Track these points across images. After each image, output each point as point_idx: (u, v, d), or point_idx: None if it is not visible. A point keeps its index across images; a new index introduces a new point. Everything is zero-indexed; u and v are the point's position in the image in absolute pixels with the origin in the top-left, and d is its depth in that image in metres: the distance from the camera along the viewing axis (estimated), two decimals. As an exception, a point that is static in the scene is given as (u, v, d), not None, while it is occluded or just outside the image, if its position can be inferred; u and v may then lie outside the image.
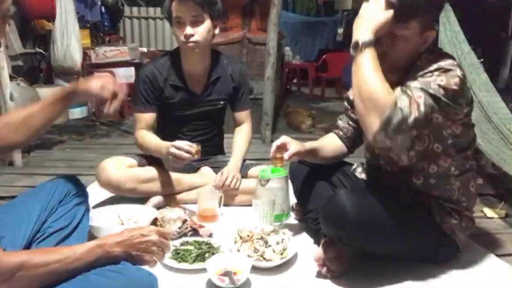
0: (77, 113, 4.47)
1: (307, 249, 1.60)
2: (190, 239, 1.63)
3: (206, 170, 2.10)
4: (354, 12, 7.81)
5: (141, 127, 1.97)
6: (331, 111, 5.10)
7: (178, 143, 1.73)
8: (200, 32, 1.84)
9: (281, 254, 1.49)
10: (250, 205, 1.77)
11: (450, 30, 2.43)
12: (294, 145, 1.55)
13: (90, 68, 4.49)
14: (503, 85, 5.73)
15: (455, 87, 1.24)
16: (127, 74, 4.48)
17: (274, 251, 1.48)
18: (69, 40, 4.17)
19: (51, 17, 4.18)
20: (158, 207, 1.90)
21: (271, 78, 3.52)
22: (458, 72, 1.26)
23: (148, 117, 1.97)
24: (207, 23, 1.85)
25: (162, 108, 2.00)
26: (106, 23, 5.99)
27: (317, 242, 1.60)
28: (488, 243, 1.77)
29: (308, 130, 4.15)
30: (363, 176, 1.73)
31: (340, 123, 1.74)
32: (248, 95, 2.14)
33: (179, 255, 1.50)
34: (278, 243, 1.51)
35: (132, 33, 6.78)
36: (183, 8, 1.81)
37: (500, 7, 5.89)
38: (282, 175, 1.75)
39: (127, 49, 4.58)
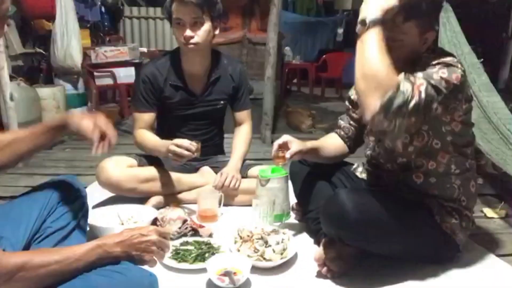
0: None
1: (307, 249, 1.60)
2: (190, 239, 1.63)
3: (206, 170, 2.10)
4: (354, 12, 7.81)
5: (140, 126, 1.97)
6: (331, 111, 5.10)
7: (178, 140, 1.74)
8: (200, 34, 1.84)
9: (281, 254, 1.49)
10: (250, 205, 1.77)
11: (450, 31, 2.44)
12: (295, 144, 1.55)
13: (90, 68, 4.49)
14: (503, 85, 5.72)
15: (455, 82, 1.25)
16: (127, 74, 4.48)
17: (274, 251, 1.48)
18: (69, 40, 4.17)
19: (51, 17, 4.17)
20: (158, 207, 1.91)
21: (271, 78, 3.53)
22: (459, 68, 1.28)
23: (148, 117, 1.98)
24: (207, 24, 1.86)
25: (162, 108, 2.00)
26: (106, 23, 5.98)
27: (317, 242, 1.61)
28: (488, 243, 1.77)
29: (308, 130, 4.15)
30: (363, 176, 1.73)
31: (341, 122, 1.75)
32: (248, 95, 2.14)
33: (179, 255, 1.51)
34: (278, 243, 1.51)
35: (132, 33, 6.77)
36: (184, 10, 1.81)
37: (500, 7, 5.89)
38: (282, 175, 1.75)
39: (127, 49, 4.57)
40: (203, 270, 1.39)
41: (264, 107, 3.56)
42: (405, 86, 1.17)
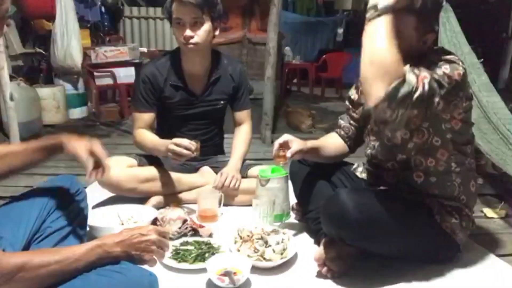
0: (77, 113, 4.47)
1: (307, 249, 1.60)
2: (190, 239, 1.63)
3: (206, 170, 2.10)
4: (354, 12, 7.82)
5: (140, 126, 1.98)
6: (331, 111, 5.10)
7: (177, 140, 1.74)
8: (200, 34, 1.84)
9: (281, 254, 1.49)
10: (250, 205, 1.77)
11: (450, 31, 2.44)
12: (296, 143, 1.55)
13: (90, 68, 4.49)
14: (503, 85, 5.72)
15: (457, 78, 1.25)
16: (127, 74, 4.48)
17: (274, 251, 1.48)
18: (69, 40, 4.17)
19: (51, 17, 4.17)
20: (158, 207, 1.91)
21: (271, 78, 3.53)
22: (461, 65, 1.28)
23: (147, 117, 1.98)
24: (207, 25, 1.85)
25: (162, 108, 2.01)
26: (106, 23, 5.98)
27: (317, 242, 1.61)
28: (488, 243, 1.77)
29: (308, 130, 4.15)
30: (363, 175, 1.73)
31: (342, 122, 1.75)
32: (248, 95, 2.14)
33: (179, 255, 1.50)
34: (278, 243, 1.51)
35: (132, 33, 6.77)
36: (184, 10, 1.81)
37: (500, 7, 5.89)
38: (282, 175, 1.75)
39: (127, 49, 4.57)
40: (203, 270, 1.39)
41: (264, 107, 3.56)
42: (410, 77, 1.17)
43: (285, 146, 1.56)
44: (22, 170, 1.29)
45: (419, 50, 1.35)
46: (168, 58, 2.00)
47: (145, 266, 1.14)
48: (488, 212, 2.11)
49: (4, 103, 2.82)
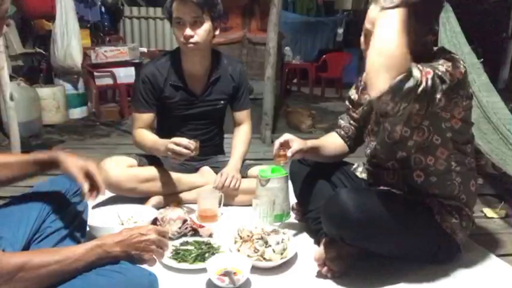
0: (77, 113, 4.47)
1: (307, 249, 1.60)
2: (190, 239, 1.63)
3: (206, 170, 2.10)
4: (354, 12, 7.82)
5: (140, 126, 1.98)
6: (331, 111, 5.10)
7: (177, 139, 1.75)
8: (200, 33, 1.84)
9: (281, 254, 1.49)
10: (250, 205, 1.77)
11: (450, 31, 2.43)
12: (296, 143, 1.55)
13: (90, 68, 4.49)
14: (503, 85, 5.73)
15: (459, 76, 1.26)
16: (127, 74, 4.49)
17: (274, 251, 1.48)
18: (69, 40, 4.17)
19: (51, 17, 4.18)
20: (158, 207, 1.91)
21: (271, 78, 3.53)
22: (462, 64, 1.29)
23: (147, 117, 1.98)
24: (207, 24, 1.86)
25: (162, 108, 2.01)
26: (106, 23, 5.98)
27: (317, 242, 1.61)
28: (488, 243, 1.77)
29: (308, 130, 4.15)
30: (363, 175, 1.73)
31: (342, 122, 1.75)
32: (247, 95, 2.14)
33: (179, 255, 1.50)
34: (278, 243, 1.51)
35: (132, 33, 6.77)
36: (184, 9, 1.81)
37: (500, 7, 5.89)
38: (282, 175, 1.75)
39: (127, 49, 4.57)
40: (203, 270, 1.39)
41: (264, 107, 3.56)
42: (415, 72, 1.17)
43: (285, 145, 1.56)
44: (12, 183, 1.27)
45: (420, 50, 1.35)
46: (168, 58, 2.00)
47: (145, 266, 1.14)
48: (488, 212, 2.11)
49: (4, 103, 2.81)
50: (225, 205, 1.93)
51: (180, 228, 1.66)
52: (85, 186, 1.21)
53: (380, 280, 1.42)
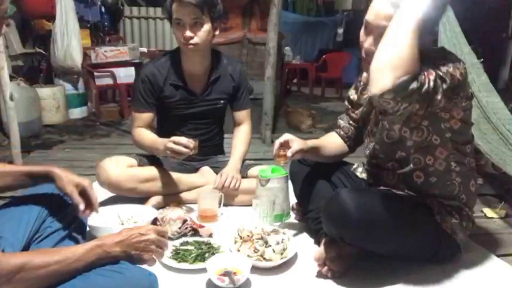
0: (77, 113, 4.48)
1: (307, 249, 1.60)
2: (190, 239, 1.63)
3: (206, 170, 2.10)
4: (354, 12, 7.81)
5: (139, 125, 1.98)
6: (331, 111, 5.10)
7: (176, 138, 1.75)
8: (199, 34, 1.84)
9: (281, 254, 1.49)
10: (250, 205, 1.77)
11: (450, 31, 2.43)
12: (297, 143, 1.55)
13: (90, 68, 4.49)
14: (503, 85, 5.72)
15: (459, 77, 1.26)
16: (127, 74, 4.49)
17: (274, 251, 1.48)
18: (69, 40, 4.17)
19: (51, 17, 4.18)
20: (158, 207, 1.91)
21: (271, 78, 3.53)
22: (462, 65, 1.29)
23: (146, 116, 1.98)
24: (207, 25, 1.86)
25: (162, 107, 2.01)
26: (106, 23, 5.98)
27: (317, 242, 1.61)
28: (488, 243, 1.77)
29: (308, 130, 4.15)
30: (363, 176, 1.73)
31: (341, 122, 1.75)
32: (247, 94, 2.14)
33: (179, 255, 1.50)
34: (278, 243, 1.51)
35: (132, 33, 6.77)
36: (184, 10, 1.81)
37: (500, 7, 5.89)
38: (282, 175, 1.75)
39: (127, 49, 4.57)
40: (203, 270, 1.39)
41: (264, 107, 3.56)
42: (420, 73, 1.17)
43: (285, 145, 1.56)
44: (3, 192, 1.28)
45: (420, 50, 1.35)
46: (168, 58, 2.00)
47: (145, 266, 1.14)
48: (488, 212, 2.11)
49: (4, 103, 2.81)
50: (225, 205, 1.93)
51: (180, 228, 1.67)
52: (81, 206, 1.23)
53: (380, 280, 1.42)
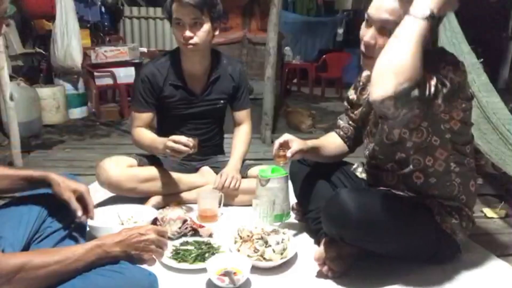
0: (77, 113, 4.48)
1: (307, 249, 1.60)
2: (190, 239, 1.63)
3: (206, 170, 2.10)
4: (354, 12, 7.82)
5: (138, 125, 1.99)
6: (331, 111, 5.10)
7: (175, 136, 1.75)
8: (199, 34, 1.84)
9: (281, 254, 1.49)
10: (250, 205, 1.77)
11: (450, 31, 2.43)
12: (296, 143, 1.55)
13: (90, 68, 4.49)
14: (503, 85, 5.73)
15: (459, 79, 1.25)
16: (127, 74, 4.49)
17: (274, 251, 1.48)
18: (69, 40, 4.17)
19: (51, 17, 4.18)
20: (158, 207, 1.91)
21: (271, 78, 3.53)
22: (462, 66, 1.28)
23: (146, 116, 1.99)
24: (207, 25, 1.86)
25: (162, 107, 2.01)
26: (106, 23, 5.98)
27: (317, 242, 1.61)
28: (488, 243, 1.77)
29: (308, 130, 4.16)
30: (363, 176, 1.73)
31: (341, 122, 1.75)
32: (247, 94, 2.14)
33: (179, 255, 1.50)
34: (278, 243, 1.51)
35: (132, 33, 6.77)
36: (183, 11, 1.81)
37: (500, 7, 5.89)
38: (282, 175, 1.75)
39: (127, 49, 4.58)
40: (203, 270, 1.39)
41: (264, 107, 3.56)
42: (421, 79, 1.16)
43: (285, 145, 1.56)
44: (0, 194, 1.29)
45: None
46: (167, 58, 2.00)
47: (145, 266, 1.14)
48: (488, 212, 2.11)
49: (4, 103, 2.81)
50: (225, 205, 1.93)
51: (180, 228, 1.66)
52: (79, 212, 1.24)
53: (380, 280, 1.42)
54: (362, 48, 1.36)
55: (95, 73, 4.50)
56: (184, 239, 1.63)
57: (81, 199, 1.27)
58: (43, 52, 4.50)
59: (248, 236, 1.56)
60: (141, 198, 1.93)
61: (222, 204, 1.90)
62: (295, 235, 1.74)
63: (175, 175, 2.01)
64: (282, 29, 4.56)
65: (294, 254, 1.54)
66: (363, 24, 1.37)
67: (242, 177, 2.01)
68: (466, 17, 2.51)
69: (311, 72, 6.44)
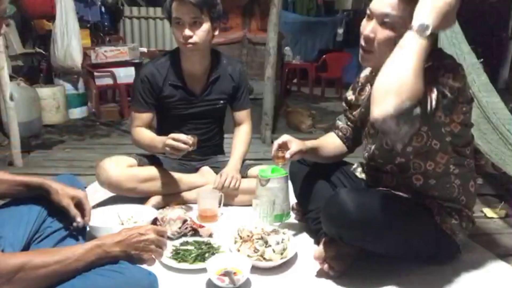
0: (77, 113, 4.48)
1: (307, 249, 1.60)
2: (190, 239, 1.63)
3: (206, 170, 2.10)
4: (354, 12, 7.82)
5: (138, 124, 1.99)
6: (331, 111, 5.10)
7: (175, 134, 1.76)
8: (199, 34, 1.84)
9: (281, 254, 1.49)
10: (250, 205, 1.77)
11: (450, 31, 2.42)
12: (295, 144, 1.55)
13: (90, 68, 4.49)
14: (503, 85, 5.73)
15: (459, 85, 1.24)
16: (127, 74, 4.49)
17: (274, 251, 1.48)
18: (69, 40, 4.17)
19: (51, 17, 4.18)
20: (158, 207, 1.91)
21: (271, 78, 3.53)
22: (461, 70, 1.27)
23: (145, 116, 1.99)
24: (206, 25, 1.86)
25: (161, 107, 2.01)
26: (106, 23, 5.98)
27: (317, 242, 1.61)
28: (488, 243, 1.77)
29: (308, 130, 4.16)
30: (363, 176, 1.73)
31: (339, 123, 1.74)
32: (247, 94, 2.14)
33: (179, 255, 1.50)
34: (278, 243, 1.51)
35: (132, 33, 6.77)
36: (183, 9, 1.81)
37: (500, 7, 5.89)
38: (282, 175, 1.75)
39: (127, 49, 4.58)
40: (203, 270, 1.39)
41: (264, 107, 3.56)
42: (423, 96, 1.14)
43: (284, 146, 1.56)
44: None
45: None
46: (167, 58, 2.00)
47: (144, 266, 1.14)
48: (488, 212, 2.11)
49: (4, 103, 2.82)
50: (225, 205, 1.93)
51: (180, 228, 1.67)
52: (78, 219, 1.26)
53: (380, 280, 1.42)
54: (362, 42, 1.35)
55: (95, 73, 4.50)
56: (184, 239, 1.63)
57: (79, 204, 1.29)
58: (43, 52, 4.50)
59: (248, 236, 1.56)
60: (141, 198, 1.93)
61: (222, 204, 1.90)
62: (295, 235, 1.74)
63: (175, 175, 2.01)
64: (282, 29, 4.56)
65: (294, 254, 1.54)
66: (364, 20, 1.36)
67: (242, 177, 2.01)
68: (466, 17, 2.51)
69: (311, 72, 6.44)
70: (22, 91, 3.64)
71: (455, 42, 2.38)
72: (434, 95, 1.18)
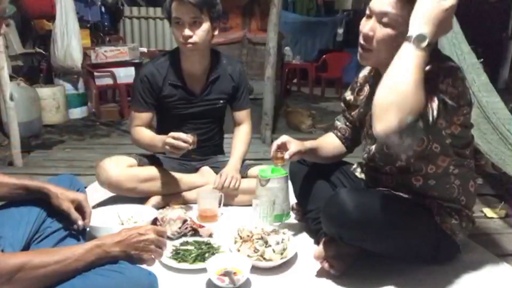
0: (77, 113, 4.48)
1: (307, 249, 1.60)
2: (190, 239, 1.63)
3: (206, 170, 2.10)
4: (354, 12, 7.82)
5: (137, 124, 1.99)
6: (331, 111, 5.10)
7: (175, 133, 1.76)
8: (198, 33, 1.84)
9: (281, 254, 1.49)
10: (250, 205, 1.77)
11: (450, 31, 2.43)
12: (294, 145, 1.55)
13: (90, 68, 4.49)
14: (503, 85, 5.73)
15: (459, 89, 1.24)
16: (127, 74, 4.49)
17: (274, 251, 1.48)
18: (69, 40, 4.18)
19: (51, 17, 4.18)
20: (158, 207, 1.91)
21: (271, 78, 3.53)
22: (460, 74, 1.26)
23: (145, 116, 1.99)
24: (206, 25, 1.86)
25: (161, 107, 2.01)
26: (106, 23, 5.99)
27: (317, 242, 1.60)
28: (488, 243, 1.77)
29: (308, 130, 4.16)
30: (362, 176, 1.73)
31: (338, 123, 1.74)
32: (247, 94, 2.14)
33: (179, 255, 1.50)
34: (278, 243, 1.51)
35: (132, 33, 6.78)
36: (183, 9, 1.81)
37: (500, 7, 5.89)
38: (282, 175, 1.75)
39: (127, 49, 4.58)
40: (203, 270, 1.39)
41: (264, 107, 3.56)
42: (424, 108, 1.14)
43: (283, 147, 1.56)
44: None
45: None
46: (167, 57, 2.00)
47: (144, 266, 1.14)
48: (488, 212, 2.11)
49: (4, 103, 2.82)
50: (225, 205, 1.93)
51: (180, 228, 1.66)
52: (79, 222, 1.27)
53: (380, 280, 1.42)
54: (361, 39, 1.35)
55: (95, 73, 4.50)
56: (184, 239, 1.63)
57: (80, 207, 1.29)
58: (43, 52, 4.50)
59: (248, 236, 1.56)
60: (141, 198, 1.93)
61: (222, 204, 1.90)
62: (295, 235, 1.74)
63: (175, 175, 2.01)
64: (282, 29, 4.56)
65: (294, 254, 1.54)
66: (363, 19, 1.36)
67: (242, 177, 2.01)
68: (466, 17, 2.51)
69: (311, 72, 6.44)
70: (22, 91, 3.64)
71: (455, 42, 2.38)
72: (435, 104, 1.17)
